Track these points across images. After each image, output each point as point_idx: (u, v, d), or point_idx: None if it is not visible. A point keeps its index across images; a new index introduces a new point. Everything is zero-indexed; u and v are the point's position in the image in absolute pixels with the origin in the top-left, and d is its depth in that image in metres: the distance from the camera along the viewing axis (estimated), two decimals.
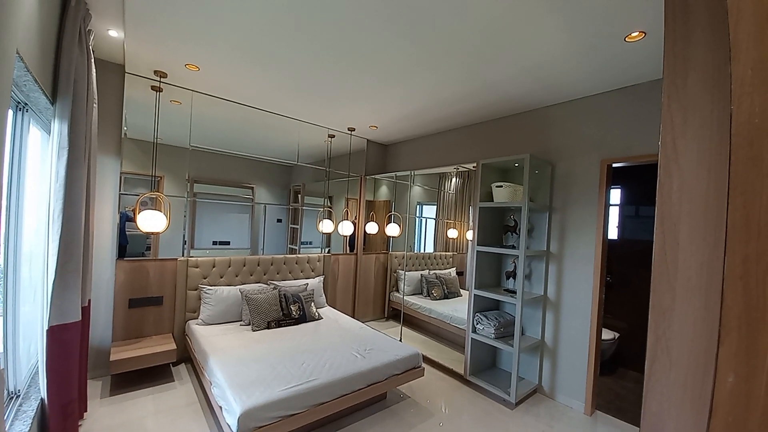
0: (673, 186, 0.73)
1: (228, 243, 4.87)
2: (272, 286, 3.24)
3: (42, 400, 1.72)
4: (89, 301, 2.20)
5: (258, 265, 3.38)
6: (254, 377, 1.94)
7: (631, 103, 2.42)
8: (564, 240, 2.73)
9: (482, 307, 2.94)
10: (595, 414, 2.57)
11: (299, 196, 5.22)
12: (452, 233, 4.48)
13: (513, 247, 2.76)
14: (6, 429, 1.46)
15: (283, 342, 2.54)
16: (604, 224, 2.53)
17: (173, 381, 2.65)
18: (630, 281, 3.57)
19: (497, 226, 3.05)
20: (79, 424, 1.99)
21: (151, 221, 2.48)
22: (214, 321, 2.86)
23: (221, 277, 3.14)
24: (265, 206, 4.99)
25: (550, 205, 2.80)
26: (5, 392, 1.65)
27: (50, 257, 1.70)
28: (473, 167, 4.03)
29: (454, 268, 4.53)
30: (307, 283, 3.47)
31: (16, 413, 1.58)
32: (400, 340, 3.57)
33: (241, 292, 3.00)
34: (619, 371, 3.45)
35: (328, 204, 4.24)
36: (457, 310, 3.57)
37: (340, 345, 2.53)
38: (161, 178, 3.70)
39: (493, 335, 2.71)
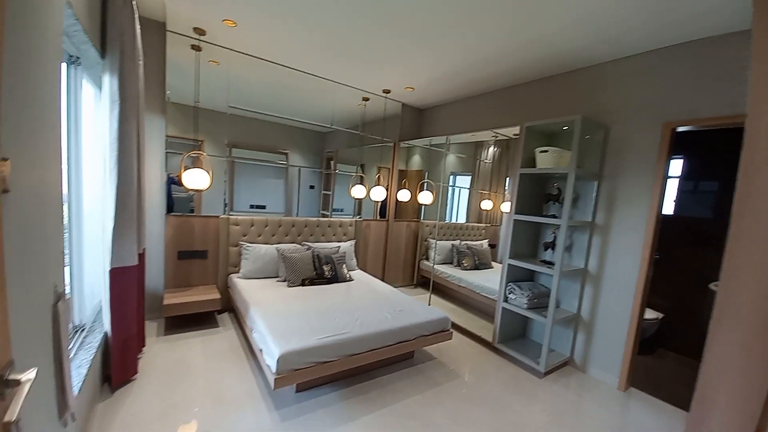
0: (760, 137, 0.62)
1: (264, 207, 5.08)
2: (306, 247, 3.35)
3: (105, 333, 1.93)
4: (144, 249, 2.39)
5: (293, 227, 3.49)
6: (291, 327, 2.05)
7: (701, 59, 2.11)
8: (612, 211, 2.54)
9: (516, 277, 2.87)
10: (630, 390, 2.50)
11: (332, 162, 5.26)
12: (486, 204, 4.34)
13: (554, 216, 2.62)
14: (71, 356, 1.66)
15: (317, 299, 2.65)
16: (660, 196, 2.31)
17: (218, 327, 2.88)
18: (679, 260, 3.31)
19: (537, 195, 2.89)
20: (138, 357, 2.23)
21: (195, 179, 2.60)
22: (253, 276, 3.03)
23: (259, 236, 3.28)
24: (300, 171, 5.08)
25: (599, 173, 2.59)
26: (71, 325, 1.86)
27: (108, 207, 1.84)
28: (514, 135, 3.81)
29: (487, 240, 4.43)
30: (339, 246, 3.55)
31: (81, 344, 1.78)
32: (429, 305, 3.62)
33: (277, 251, 3.13)
34: (659, 352, 3.29)
35: (361, 171, 4.22)
36: (489, 280, 3.52)
37: (370, 305, 2.60)
38: (202, 141, 3.85)
39: (525, 305, 2.65)
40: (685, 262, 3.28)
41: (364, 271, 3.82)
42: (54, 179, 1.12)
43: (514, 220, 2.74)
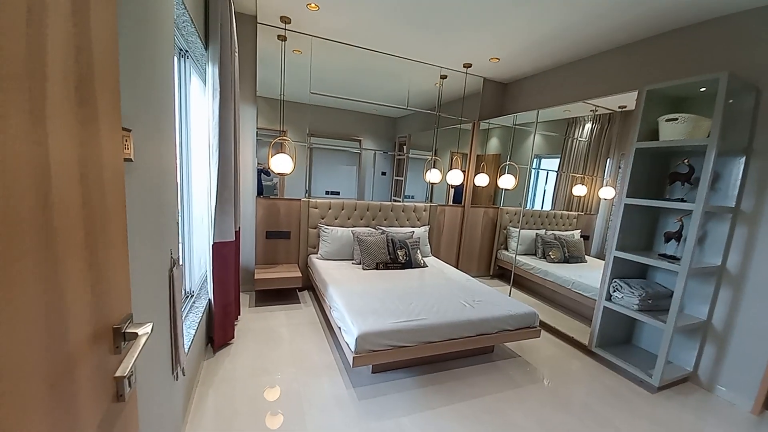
0: None
1: (338, 193, 5.27)
2: (380, 231, 3.35)
3: (209, 300, 2.17)
4: (239, 228, 2.63)
5: (367, 210, 3.52)
6: (368, 307, 2.06)
7: None
8: (765, 195, 1.96)
9: (622, 273, 2.44)
10: (765, 414, 1.95)
11: (404, 147, 5.18)
12: (579, 190, 3.80)
13: (681, 200, 2.12)
14: (183, 317, 1.88)
15: (392, 282, 2.62)
16: None
17: (299, 303, 3.07)
18: None
19: (658, 174, 2.38)
20: (235, 323, 2.49)
21: (281, 163, 2.76)
22: (331, 257, 3.15)
23: (335, 219, 3.39)
24: (375, 155, 5.12)
25: (748, 147, 2.01)
26: (183, 291, 2.13)
27: (212, 187, 2.03)
28: (619, 108, 3.22)
29: (579, 231, 3.90)
30: (413, 231, 3.47)
31: (191, 308, 2.02)
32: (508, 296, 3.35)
33: (352, 233, 3.19)
34: None
35: (435, 155, 4.04)
36: (582, 276, 3.10)
37: (446, 292, 2.48)
38: (285, 131, 4.09)
39: (636, 306, 2.24)
40: None
41: (437, 257, 3.69)
42: (169, 153, 1.23)
43: (626, 204, 2.31)
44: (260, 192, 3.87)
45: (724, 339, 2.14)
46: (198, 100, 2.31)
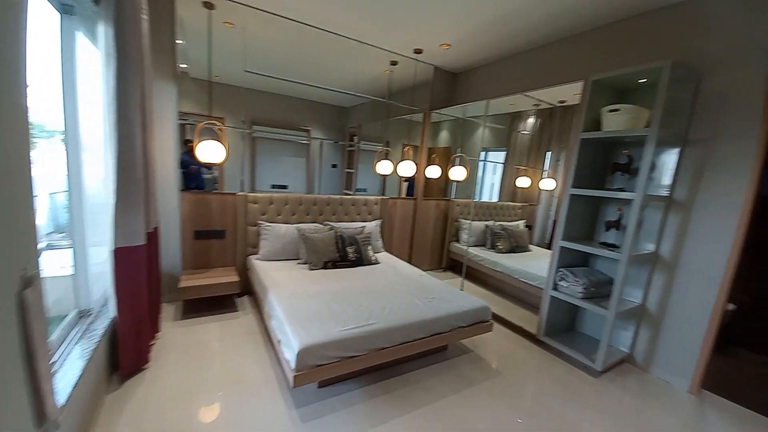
0: None
1: (285, 187, 4.89)
2: (328, 227, 3.10)
3: (114, 319, 1.76)
4: (156, 228, 2.21)
5: (314, 205, 3.24)
6: (313, 313, 1.82)
7: None
8: (698, 185, 2.08)
9: (567, 262, 2.49)
10: (702, 394, 2.12)
11: (355, 138, 4.94)
12: (523, 182, 3.91)
13: (622, 190, 2.19)
14: (71, 345, 1.48)
15: (341, 283, 2.41)
16: (764, 168, 1.84)
17: (237, 311, 2.72)
18: (760, 246, 2.78)
19: (600, 165, 2.45)
20: (151, 343, 2.09)
21: (209, 151, 2.37)
22: (273, 257, 2.83)
23: (278, 215, 3.06)
24: (321, 145, 4.80)
25: (684, 136, 2.12)
26: (75, 311, 1.70)
27: (110, 178, 1.63)
28: (559, 102, 3.32)
29: (523, 221, 4.02)
30: (364, 226, 3.28)
31: (85, 331, 1.60)
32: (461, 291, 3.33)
33: (298, 230, 2.90)
34: (729, 349, 2.85)
35: (386, 147, 3.87)
36: (528, 265, 3.17)
37: (399, 291, 2.33)
38: (223, 118, 3.64)
39: (580, 294, 2.29)
40: (762, 245, 2.75)
41: (390, 253, 3.55)
42: (11, 128, 0.87)
43: (571, 195, 2.33)
44: (200, 186, 3.38)
45: (658, 321, 2.27)
46: (94, 70, 1.85)
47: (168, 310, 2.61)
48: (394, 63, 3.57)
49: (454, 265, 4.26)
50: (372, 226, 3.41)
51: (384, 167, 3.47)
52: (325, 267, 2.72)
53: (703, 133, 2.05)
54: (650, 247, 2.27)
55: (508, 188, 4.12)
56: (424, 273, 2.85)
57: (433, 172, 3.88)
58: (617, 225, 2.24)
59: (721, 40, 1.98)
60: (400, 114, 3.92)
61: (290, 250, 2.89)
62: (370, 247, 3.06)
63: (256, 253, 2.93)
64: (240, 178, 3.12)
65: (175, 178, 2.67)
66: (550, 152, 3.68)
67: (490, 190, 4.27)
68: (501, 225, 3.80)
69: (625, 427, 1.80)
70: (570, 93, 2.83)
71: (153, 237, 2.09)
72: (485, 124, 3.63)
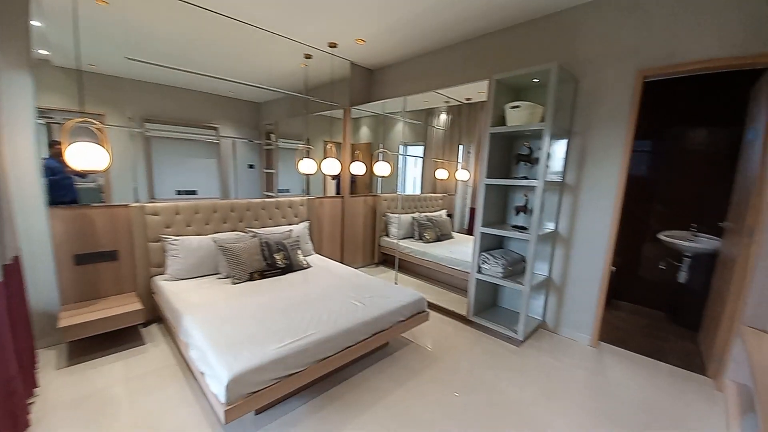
0: None
1: (194, 192, 4.32)
2: (251, 234, 2.83)
3: None
4: (16, 258, 1.73)
5: (232, 211, 2.93)
6: (241, 336, 1.63)
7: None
8: (583, 169, 2.45)
9: (487, 246, 2.72)
10: (600, 345, 2.55)
11: (272, 136, 4.62)
12: (441, 174, 4.17)
13: (525, 178, 2.46)
14: None
15: (271, 294, 2.22)
16: (631, 153, 2.25)
17: (144, 344, 2.31)
18: (630, 215, 3.45)
19: (505, 157, 2.71)
20: (29, 402, 1.65)
21: (84, 156, 1.92)
22: (186, 275, 2.47)
23: (188, 226, 2.68)
24: (234, 144, 4.36)
25: (569, 129, 2.47)
26: None
27: None
28: (466, 99, 3.60)
29: (445, 210, 4.29)
30: (292, 230, 3.09)
31: None
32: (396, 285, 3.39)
33: (214, 242, 2.58)
34: (613, 303, 3.48)
35: (307, 144, 3.71)
36: (453, 251, 3.39)
37: (336, 294, 2.26)
38: (101, 116, 3.04)
39: (500, 274, 2.52)
40: (635, 217, 3.42)
41: (321, 254, 3.43)
42: None
43: (486, 185, 2.54)
44: (74, 199, 2.74)
45: (562, 289, 2.64)
46: None
47: (47, 357, 2.09)
48: (308, 56, 3.41)
49: (386, 259, 4.33)
50: (300, 228, 3.23)
51: (307, 166, 3.31)
52: (251, 279, 2.49)
53: (583, 126, 2.42)
54: (551, 227, 2.61)
55: (428, 180, 4.34)
56: (358, 271, 2.82)
57: (358, 168, 3.86)
58: (525, 209, 2.52)
59: (592, 44, 2.34)
60: (319, 110, 3.79)
61: (207, 265, 2.56)
62: (299, 251, 2.90)
63: (163, 273, 2.52)
64: (133, 185, 2.63)
65: (38, 192, 2.12)
66: (462, 145, 3.98)
67: (413, 184, 4.44)
68: (426, 216, 3.98)
69: (543, 383, 2.06)
70: (475, 91, 3.07)
71: (12, 271, 1.63)
72: (403, 120, 3.73)
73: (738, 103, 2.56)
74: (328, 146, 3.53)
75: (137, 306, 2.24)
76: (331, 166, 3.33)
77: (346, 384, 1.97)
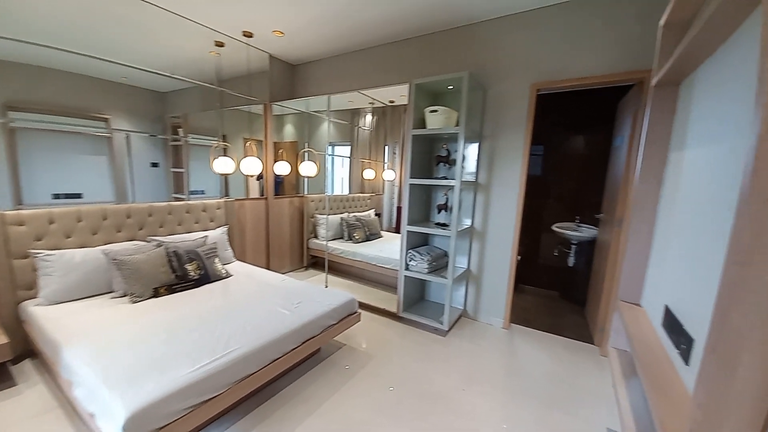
0: None
1: (79, 196, 3.62)
2: (155, 243, 2.48)
3: None
4: None
5: (128, 218, 2.52)
6: (144, 362, 1.41)
7: (566, 21, 2.33)
8: (492, 170, 2.72)
9: (413, 243, 2.84)
10: (511, 327, 2.87)
11: (180, 131, 4.11)
12: (369, 174, 4.22)
13: (445, 178, 2.63)
14: None
15: (182, 310, 1.97)
16: (529, 155, 2.57)
17: (16, 384, 1.85)
18: (529, 211, 3.95)
19: (427, 158, 2.87)
20: None
21: None
22: (66, 297, 2.04)
23: (68, 237, 2.22)
24: (128, 138, 3.76)
25: (480, 133, 2.71)
26: None
27: None
28: (390, 102, 3.71)
29: (373, 210, 4.36)
30: (207, 236, 2.80)
31: None
32: (326, 288, 3.33)
33: (105, 254, 2.19)
34: (519, 288, 3.94)
35: (223, 141, 3.39)
36: (382, 250, 3.46)
37: (261, 302, 2.11)
38: None
39: (426, 270, 2.66)
40: (534, 211, 3.93)
41: (243, 261, 3.18)
42: None
43: (410, 184, 2.65)
44: None
45: (479, 279, 2.90)
46: None
47: None
48: (220, 44, 3.11)
49: (316, 262, 4.21)
50: (217, 234, 2.94)
51: (223, 165, 3.02)
52: (156, 295, 2.17)
53: (491, 130, 2.69)
54: (468, 223, 2.85)
55: (356, 180, 4.35)
56: (285, 277, 2.68)
57: (283, 168, 3.67)
58: (445, 207, 2.70)
59: (497, 57, 2.61)
60: (237, 104, 3.49)
61: (96, 283, 2.16)
62: (217, 260, 2.64)
63: (35, 297, 2.05)
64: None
65: None
66: (387, 146, 4.09)
67: (341, 184, 4.41)
68: (355, 216, 3.98)
69: (466, 368, 2.24)
70: (397, 94, 3.18)
71: None
72: (329, 119, 3.67)
73: (609, 114, 3.12)
74: (248, 144, 3.28)
75: (1, 339, 1.78)
76: (251, 166, 3.10)
77: (277, 398, 1.86)
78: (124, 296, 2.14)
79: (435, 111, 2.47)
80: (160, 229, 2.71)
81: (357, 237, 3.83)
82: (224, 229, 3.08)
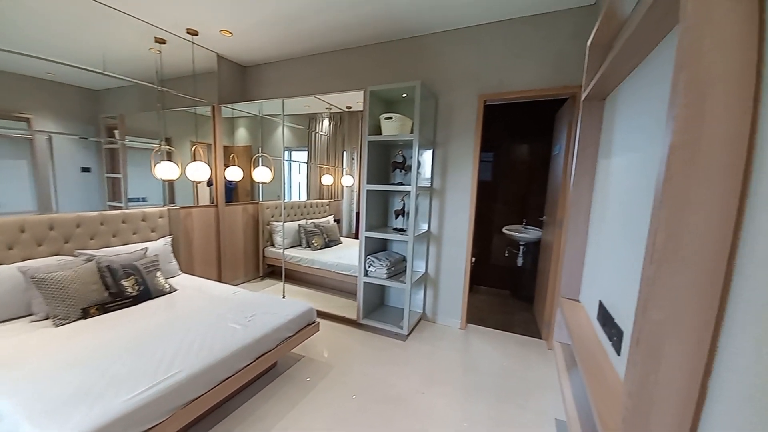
0: (702, 47, 0.62)
1: None
2: (84, 258, 2.22)
3: None
4: None
5: (51, 230, 2.23)
6: (70, 393, 1.25)
7: (507, 37, 2.50)
8: (445, 175, 2.82)
9: (372, 249, 2.84)
10: (467, 327, 2.97)
11: (116, 133, 3.74)
12: (327, 180, 4.17)
13: (401, 184, 2.67)
14: None
15: (119, 330, 1.78)
16: (479, 161, 2.71)
17: None
18: (481, 214, 4.16)
19: (384, 164, 2.90)
20: None
21: None
22: None
23: None
24: (50, 141, 3.35)
25: (434, 140, 2.80)
26: None
27: None
28: (347, 108, 3.70)
29: (332, 216, 4.31)
30: (147, 248, 2.56)
31: None
32: (284, 298, 3.21)
33: (22, 272, 1.92)
34: (474, 288, 4.12)
35: (167, 145, 3.14)
36: (341, 257, 3.42)
37: (209, 318, 1.97)
38: None
39: (385, 275, 2.67)
40: (485, 214, 4.14)
41: (191, 274, 2.96)
42: None
43: (367, 190, 2.65)
44: None
45: (437, 282, 2.97)
46: None
47: None
48: (161, 41, 2.90)
49: (273, 271, 4.05)
50: (159, 245, 2.71)
51: (166, 170, 2.80)
52: (85, 316, 1.94)
53: (444, 138, 2.80)
54: (425, 227, 2.92)
55: (314, 186, 4.27)
56: (238, 289, 2.54)
57: (234, 174, 3.50)
58: (402, 212, 2.74)
59: (447, 68, 2.72)
60: (182, 105, 3.26)
61: (13, 305, 1.88)
62: (159, 273, 2.42)
63: None
64: None
65: None
66: (345, 152, 4.07)
67: (298, 190, 4.30)
68: (313, 223, 3.90)
69: (426, 370, 2.27)
70: (354, 100, 3.19)
71: None
72: (284, 123, 3.57)
73: (549, 125, 3.38)
74: (194, 148, 3.08)
75: None
76: (198, 171, 2.91)
77: (230, 419, 1.74)
78: (46, 319, 1.88)
79: (390, 118, 2.51)
80: (91, 241, 2.43)
81: (316, 244, 3.75)
82: (168, 239, 2.84)
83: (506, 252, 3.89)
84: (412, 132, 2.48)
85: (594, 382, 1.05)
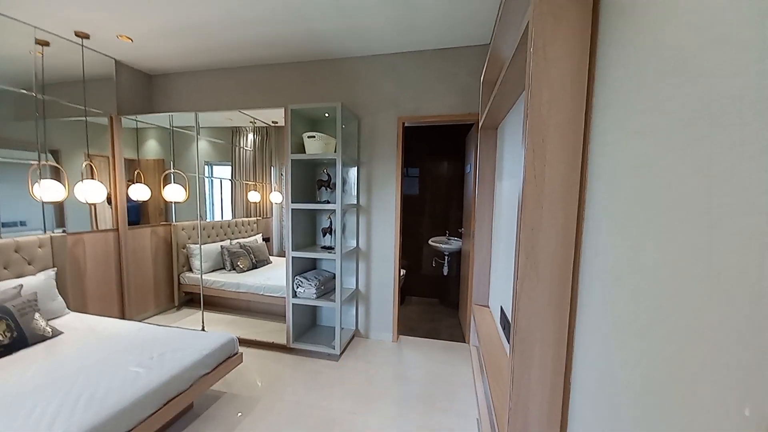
0: (542, 99, 0.75)
1: None
2: None
3: None
4: None
5: None
6: None
7: (420, 67, 2.72)
8: (371, 193, 2.91)
9: (300, 269, 2.77)
10: (400, 339, 3.05)
11: None
12: (254, 196, 3.97)
13: (327, 202, 2.68)
14: None
15: None
16: (402, 179, 2.86)
17: None
18: (408, 228, 4.36)
19: (310, 182, 2.88)
20: None
21: None
22: None
23: None
24: None
25: (358, 159, 2.88)
26: None
27: None
28: (273, 123, 3.61)
29: (260, 234, 4.09)
30: (21, 285, 2.13)
31: None
32: (203, 329, 2.94)
33: None
34: (406, 299, 4.26)
35: (53, 160, 2.68)
36: (270, 278, 3.26)
37: (105, 363, 1.71)
38: None
39: (314, 295, 2.62)
40: (412, 227, 4.34)
41: (83, 312, 2.54)
42: None
43: (292, 209, 2.60)
44: None
45: (367, 298, 3.01)
46: None
47: None
48: (44, 43, 2.51)
49: (191, 299, 3.68)
50: (39, 281, 2.28)
51: (48, 190, 2.39)
52: None
53: (367, 157, 2.90)
54: (353, 244, 2.95)
55: (241, 204, 4.02)
56: (144, 324, 2.25)
57: (140, 192, 3.13)
58: (330, 230, 2.74)
59: (366, 91, 2.85)
60: (72, 115, 2.82)
61: None
62: (38, 315, 2.03)
63: None
64: None
65: None
66: (274, 167, 3.93)
67: (221, 208, 4.00)
68: (239, 243, 3.66)
69: (360, 388, 2.27)
70: (279, 115, 3.11)
71: None
72: (198, 137, 3.32)
73: (463, 146, 3.72)
74: (85, 164, 2.68)
75: None
76: (91, 191, 2.54)
77: None
78: None
79: (312, 137, 2.52)
80: None
81: (241, 266, 3.51)
82: (50, 273, 2.40)
83: (433, 262, 4.12)
84: (335, 151, 2.52)
85: (495, 381, 1.18)
